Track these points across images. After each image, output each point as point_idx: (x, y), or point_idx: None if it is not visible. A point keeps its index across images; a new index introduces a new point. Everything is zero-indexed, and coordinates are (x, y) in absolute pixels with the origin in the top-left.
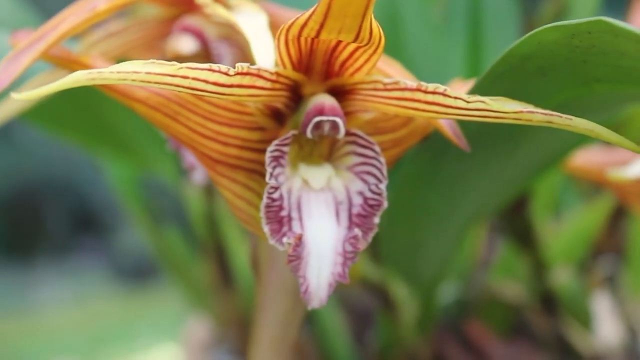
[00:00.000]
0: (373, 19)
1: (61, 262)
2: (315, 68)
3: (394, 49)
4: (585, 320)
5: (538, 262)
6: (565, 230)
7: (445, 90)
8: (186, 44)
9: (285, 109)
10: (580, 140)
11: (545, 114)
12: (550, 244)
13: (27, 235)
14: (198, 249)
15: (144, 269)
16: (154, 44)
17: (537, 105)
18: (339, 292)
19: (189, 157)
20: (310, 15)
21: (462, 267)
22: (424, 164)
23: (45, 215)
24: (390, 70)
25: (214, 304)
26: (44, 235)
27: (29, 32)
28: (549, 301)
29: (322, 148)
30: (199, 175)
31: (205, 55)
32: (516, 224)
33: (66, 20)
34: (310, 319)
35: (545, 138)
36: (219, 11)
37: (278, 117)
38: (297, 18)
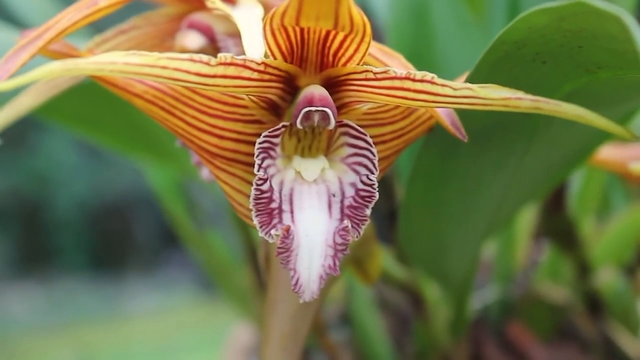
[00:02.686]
0: (352, 6)
1: (150, 275)
2: (309, 59)
3: (422, 43)
4: (631, 322)
5: (582, 263)
6: (610, 231)
7: (432, 78)
8: (192, 39)
9: (280, 102)
10: (603, 136)
11: (533, 100)
12: (595, 245)
13: (118, 248)
14: (240, 254)
15: None
16: (163, 42)
17: (545, 96)
18: (380, 296)
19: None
20: (289, 3)
21: (506, 269)
22: (436, 161)
23: (135, 230)
24: (390, 62)
25: (255, 309)
26: (134, 248)
27: (34, 30)
28: (594, 303)
29: (321, 141)
30: (207, 172)
31: (214, 51)
32: (556, 224)
33: (67, 16)
34: (350, 322)
35: (561, 132)
36: (218, 4)
37: (275, 109)
38: (278, 7)
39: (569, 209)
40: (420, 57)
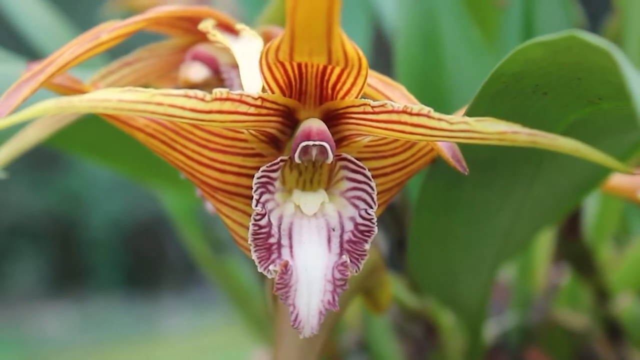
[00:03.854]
0: (346, 41)
1: (184, 294)
2: (308, 92)
3: (432, 69)
4: None
5: (600, 289)
6: (628, 256)
7: (429, 112)
8: (196, 71)
9: (280, 135)
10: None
11: (530, 134)
12: (614, 270)
13: (152, 267)
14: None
15: None
16: (168, 73)
17: (548, 128)
18: (397, 322)
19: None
20: (282, 39)
21: (525, 294)
22: (441, 190)
23: (169, 249)
24: (391, 94)
25: (271, 334)
26: (168, 267)
27: (39, 63)
28: (613, 329)
29: (322, 174)
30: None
31: (219, 82)
32: (573, 250)
33: (69, 50)
34: (368, 349)
35: (569, 161)
36: (218, 37)
37: (275, 142)
38: (272, 42)
39: (585, 235)
40: (430, 82)
